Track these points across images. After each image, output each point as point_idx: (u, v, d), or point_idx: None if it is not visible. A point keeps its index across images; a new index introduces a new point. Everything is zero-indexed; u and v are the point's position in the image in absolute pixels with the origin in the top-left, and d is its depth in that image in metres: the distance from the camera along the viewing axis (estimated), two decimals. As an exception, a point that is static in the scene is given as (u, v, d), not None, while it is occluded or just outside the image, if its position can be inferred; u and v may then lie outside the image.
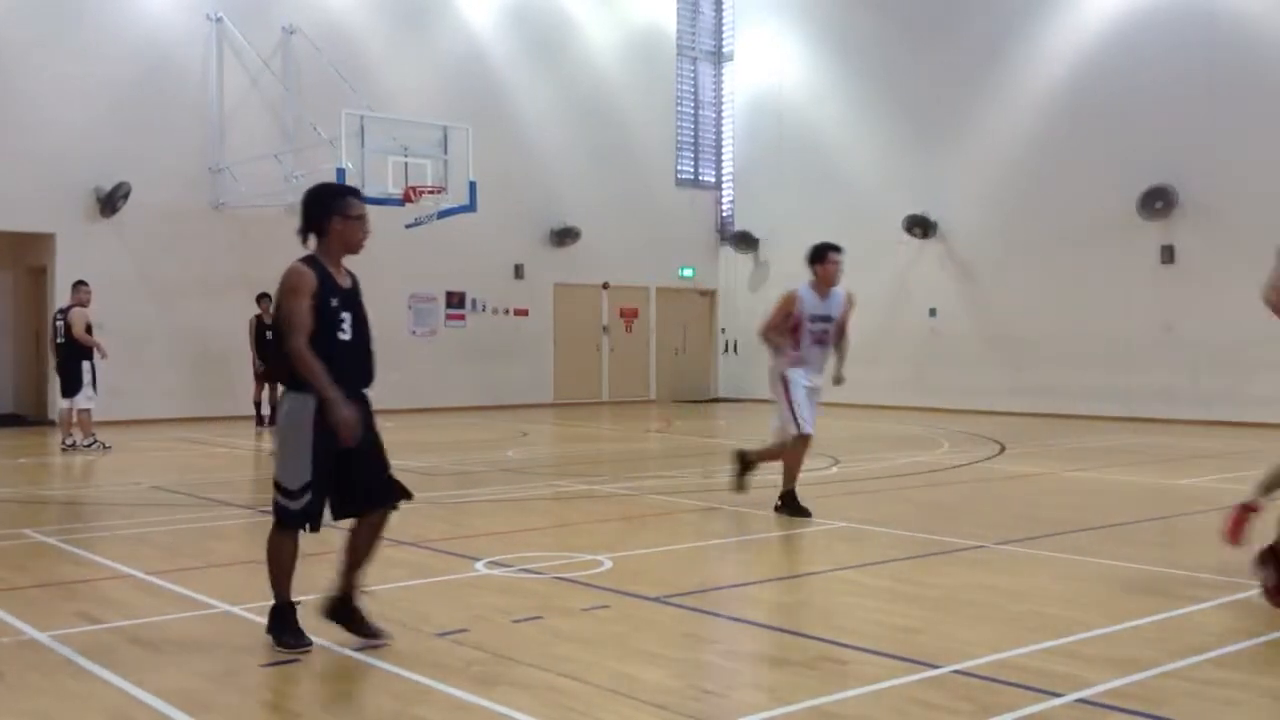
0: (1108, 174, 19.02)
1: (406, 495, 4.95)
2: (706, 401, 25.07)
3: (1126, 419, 18.31)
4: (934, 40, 21.64)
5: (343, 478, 4.83)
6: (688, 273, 25.40)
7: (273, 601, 4.89)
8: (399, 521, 5.40)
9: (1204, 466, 12.03)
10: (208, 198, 19.02)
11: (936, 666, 4.55)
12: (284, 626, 4.84)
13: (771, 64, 24.76)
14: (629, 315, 24.47)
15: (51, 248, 17.88)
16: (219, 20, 19.13)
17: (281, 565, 4.86)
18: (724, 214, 26.01)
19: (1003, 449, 13.98)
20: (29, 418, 18.55)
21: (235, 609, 5.59)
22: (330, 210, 4.87)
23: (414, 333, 21.15)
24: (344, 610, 4.95)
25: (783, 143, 24.42)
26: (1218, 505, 9.24)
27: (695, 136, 25.91)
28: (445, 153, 17.37)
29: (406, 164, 16.98)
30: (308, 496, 4.74)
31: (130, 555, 7.03)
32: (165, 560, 6.90)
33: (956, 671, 4.49)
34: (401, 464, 10.97)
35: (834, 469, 11.91)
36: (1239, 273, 17.67)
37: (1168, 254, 18.58)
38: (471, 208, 17.34)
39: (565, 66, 23.42)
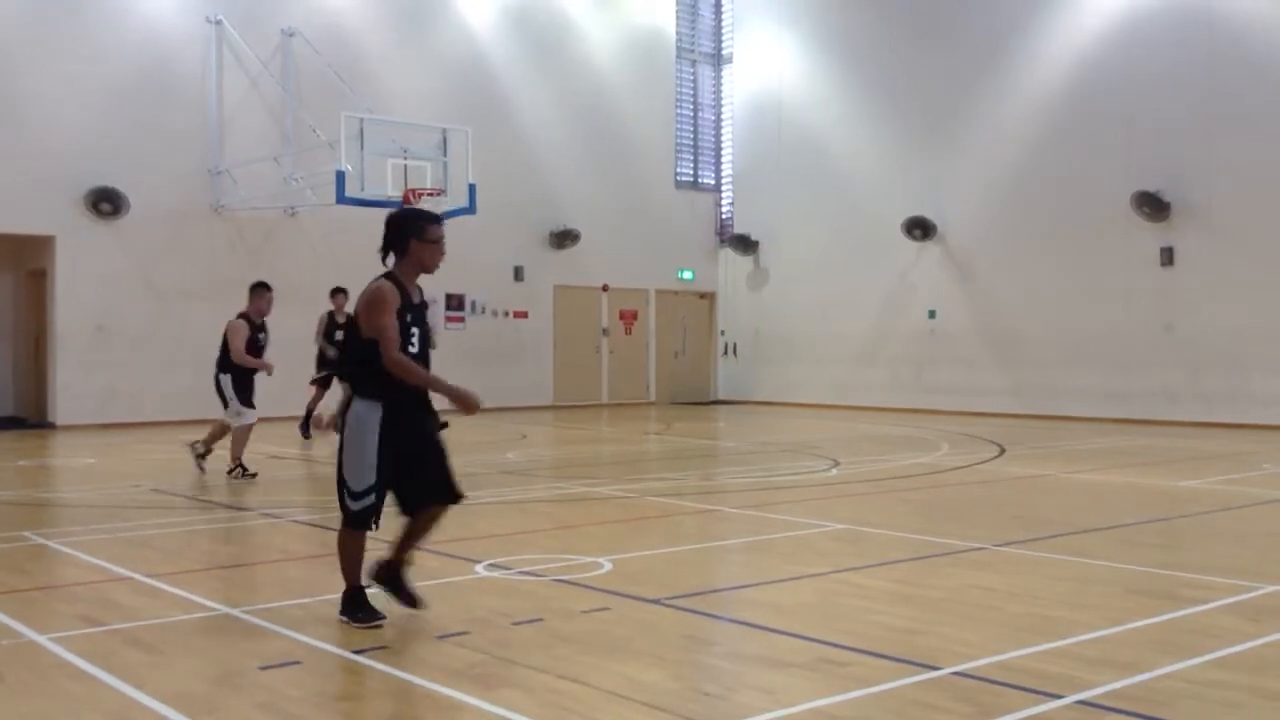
0: (1107, 175, 19.03)
1: (461, 496, 5.42)
2: (707, 404, 25.07)
3: (1126, 420, 18.31)
4: (933, 42, 21.66)
5: (410, 475, 5.29)
6: (687, 275, 25.41)
7: (343, 589, 5.31)
8: (400, 526, 5.42)
9: (1204, 468, 12.03)
10: (207, 200, 19.02)
11: (936, 668, 4.55)
12: (357, 605, 5.26)
13: (770, 66, 24.78)
14: (628, 317, 24.47)
15: (51, 250, 17.87)
16: (218, 22, 19.13)
17: (351, 556, 5.31)
18: (723, 216, 26.02)
19: (1002, 451, 13.97)
20: (29, 420, 18.55)
21: (235, 611, 5.59)
22: (410, 233, 5.29)
23: (414, 335, 21.14)
24: (390, 575, 5.42)
25: (782, 145, 24.44)
26: (1219, 507, 9.26)
27: (695, 139, 25.92)
28: (444, 155, 17.37)
29: (406, 166, 16.97)
30: (370, 499, 5.17)
31: (130, 558, 7.03)
32: (166, 563, 6.90)
33: (956, 673, 4.49)
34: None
35: (834, 471, 11.91)
36: (1238, 274, 17.72)
37: (1167, 255, 18.59)
38: (471, 210, 17.34)
39: (565, 69, 23.43)
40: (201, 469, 11.36)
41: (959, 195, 21.10)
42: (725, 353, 25.79)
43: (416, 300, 5.34)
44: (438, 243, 5.33)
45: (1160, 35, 18.61)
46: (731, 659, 4.92)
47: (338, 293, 15.12)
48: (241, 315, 11.29)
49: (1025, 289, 20.39)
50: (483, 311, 22.16)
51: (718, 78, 26.16)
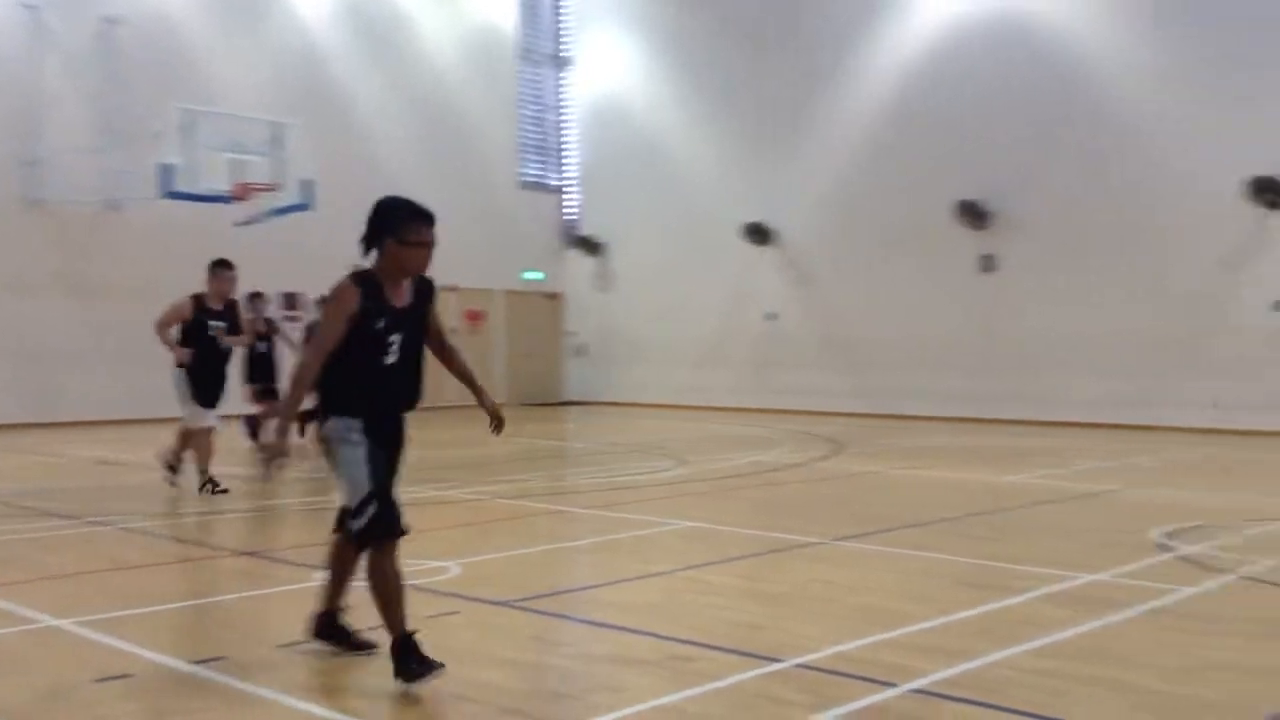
0: (934, 184, 19.83)
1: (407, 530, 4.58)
2: (556, 404, 25.06)
3: (956, 419, 19.11)
4: (770, 52, 22.17)
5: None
6: (535, 275, 25.34)
7: (391, 638, 4.39)
8: (238, 531, 5.24)
9: (1026, 464, 12.66)
10: (19, 192, 18.00)
11: (779, 660, 4.68)
12: (411, 658, 4.33)
13: (612, 70, 24.96)
14: (475, 318, 24.26)
15: None
16: (35, 8, 18.14)
17: (387, 594, 4.41)
18: (569, 217, 26.06)
19: (840, 448, 14.41)
20: None
21: (64, 623, 5.33)
22: (386, 230, 4.47)
23: (249, 335, 20.48)
24: (327, 625, 4.83)
25: (625, 148, 24.64)
26: (1039, 501, 9.77)
27: (539, 139, 25.88)
28: (278, 149, 16.88)
29: (238, 160, 16.40)
30: (372, 507, 4.41)
31: (-59, 572, 6.61)
32: (-19, 576, 6.51)
33: (799, 665, 4.62)
34: (230, 471, 10.69)
35: (680, 470, 12.07)
36: (1054, 281, 18.73)
37: (988, 262, 19.52)
38: (307, 206, 16.90)
39: (403, 64, 23.08)
40: (173, 483, 9.95)
41: (796, 201, 21.65)
42: (575, 353, 25.84)
43: (404, 303, 4.54)
44: (421, 245, 4.48)
45: (982, 49, 19.49)
46: (581, 659, 4.95)
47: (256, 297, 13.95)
48: (195, 296, 9.86)
49: (859, 293, 21.07)
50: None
51: (559, 79, 26.16)
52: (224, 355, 10.24)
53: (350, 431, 4.45)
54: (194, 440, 9.92)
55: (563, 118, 26.19)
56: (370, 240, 4.52)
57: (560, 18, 26.07)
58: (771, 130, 22.16)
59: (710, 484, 10.85)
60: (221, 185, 16.04)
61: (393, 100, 22.80)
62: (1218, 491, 10.43)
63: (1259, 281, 16.69)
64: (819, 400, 21.05)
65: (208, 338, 9.86)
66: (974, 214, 19.36)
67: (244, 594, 5.99)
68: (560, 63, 26.11)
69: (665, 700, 4.19)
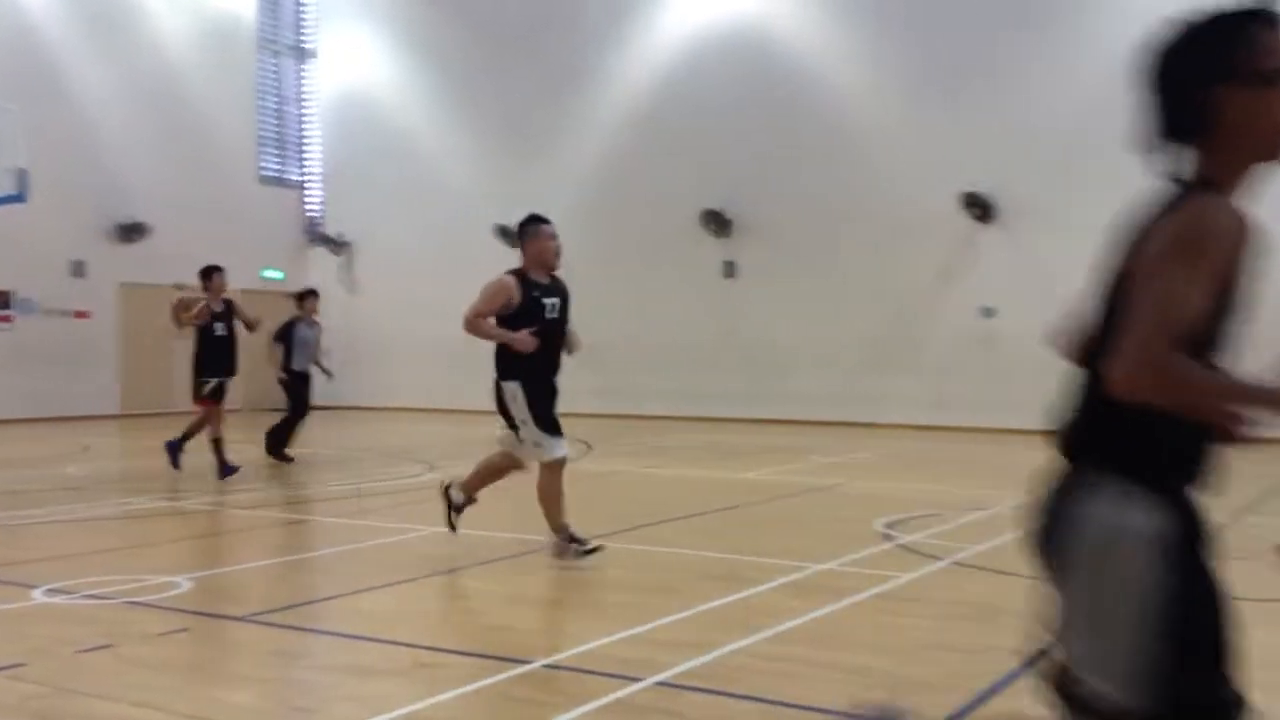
0: (680, 192, 20.43)
1: None
2: (294, 409, 24.15)
3: (699, 418, 19.74)
4: (520, 55, 22.21)
5: None
6: (275, 274, 24.36)
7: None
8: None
9: (763, 461, 13.24)
10: None
11: (527, 662, 4.70)
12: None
13: (357, 64, 24.35)
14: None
15: None
16: None
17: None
18: (312, 215, 25.22)
19: (589, 448, 14.61)
20: None
21: None
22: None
23: (-50, 336, 18.75)
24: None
25: (372, 145, 24.09)
26: (776, 495, 10.23)
27: (280, 133, 24.93)
28: (-11, 135, 15.53)
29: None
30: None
31: None
32: None
33: (546, 665, 4.67)
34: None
35: (429, 475, 11.92)
36: (789, 285, 19.71)
37: (730, 268, 20.30)
38: (21, 198, 15.61)
39: (131, 50, 21.68)
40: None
41: (545, 204, 21.53)
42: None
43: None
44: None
45: (721, 59, 20.23)
46: (323, 671, 4.81)
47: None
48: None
49: (607, 296, 21.37)
50: (36, 310, 20.01)
51: (302, 71, 25.29)
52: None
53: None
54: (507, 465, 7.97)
55: (305, 112, 25.32)
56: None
57: (302, 8, 25.17)
58: (523, 132, 22.21)
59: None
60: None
61: (119, 87, 21.36)
62: (934, 483, 11.23)
63: (970, 289, 18.12)
64: (568, 401, 20.96)
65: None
66: (718, 221, 20.08)
67: None
68: (303, 54, 25.23)
69: (410, 708, 4.14)
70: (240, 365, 12.27)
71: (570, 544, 6.90)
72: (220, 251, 22.85)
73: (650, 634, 5.18)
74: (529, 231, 7.39)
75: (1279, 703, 3.05)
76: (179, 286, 12.32)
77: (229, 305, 11.76)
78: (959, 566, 6.82)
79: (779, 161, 19.67)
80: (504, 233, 21.80)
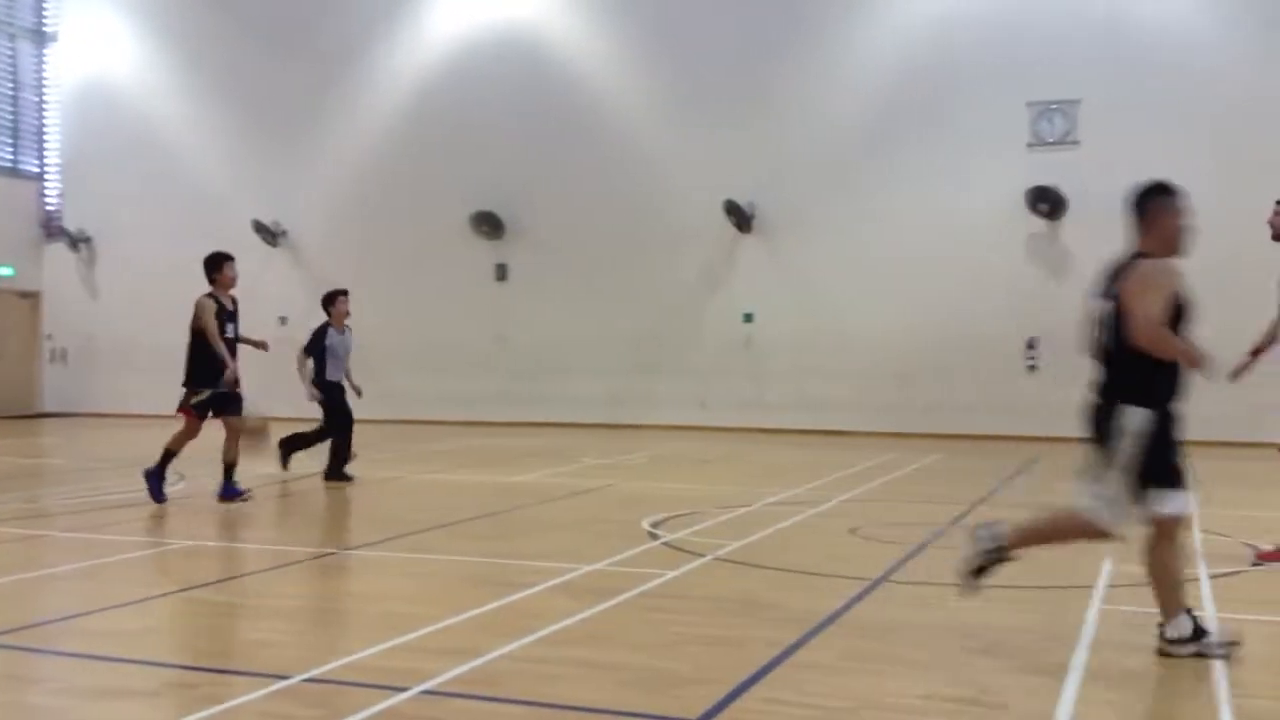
0: (450, 194, 20.22)
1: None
2: (30, 417, 22.46)
3: (471, 423, 19.59)
4: (283, 48, 21.42)
5: None
6: (4, 271, 22.58)
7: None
8: None
9: (534, 463, 13.27)
10: None
11: (287, 677, 4.55)
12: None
13: (102, 50, 22.91)
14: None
15: None
16: None
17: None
18: (49, 208, 23.51)
19: (355, 455, 14.22)
20: None
21: None
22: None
23: None
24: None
25: (118, 135, 22.69)
26: (547, 498, 10.28)
27: (15, 121, 23.13)
28: None
29: None
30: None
31: None
32: None
33: (307, 680, 4.53)
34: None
35: (180, 485, 11.34)
36: (559, 288, 19.86)
37: (501, 271, 20.26)
38: None
39: None
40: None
41: (311, 202, 21.09)
42: (53, 360, 23.33)
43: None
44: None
45: (495, 61, 20.17)
46: (63, 694, 4.50)
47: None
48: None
49: (378, 298, 20.87)
50: None
51: (40, 56, 23.57)
52: None
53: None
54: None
55: (44, 99, 23.59)
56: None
57: (40, -13, 23.51)
58: (285, 129, 21.41)
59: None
60: None
61: None
62: (698, 483, 11.56)
63: (732, 294, 18.76)
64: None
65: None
66: (490, 224, 19.98)
67: None
68: (43, 38, 23.50)
69: (160, 731, 3.94)
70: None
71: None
72: (-56, 246, 21.11)
73: (417, 642, 5.11)
74: None
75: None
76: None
77: (236, 304, 10.36)
78: (718, 562, 7.05)
79: (551, 166, 19.78)
80: (261, 229, 20.97)
